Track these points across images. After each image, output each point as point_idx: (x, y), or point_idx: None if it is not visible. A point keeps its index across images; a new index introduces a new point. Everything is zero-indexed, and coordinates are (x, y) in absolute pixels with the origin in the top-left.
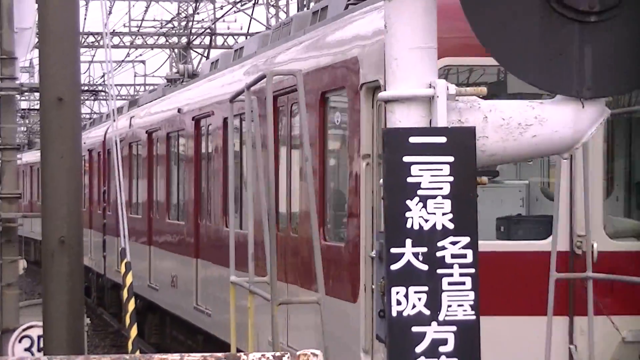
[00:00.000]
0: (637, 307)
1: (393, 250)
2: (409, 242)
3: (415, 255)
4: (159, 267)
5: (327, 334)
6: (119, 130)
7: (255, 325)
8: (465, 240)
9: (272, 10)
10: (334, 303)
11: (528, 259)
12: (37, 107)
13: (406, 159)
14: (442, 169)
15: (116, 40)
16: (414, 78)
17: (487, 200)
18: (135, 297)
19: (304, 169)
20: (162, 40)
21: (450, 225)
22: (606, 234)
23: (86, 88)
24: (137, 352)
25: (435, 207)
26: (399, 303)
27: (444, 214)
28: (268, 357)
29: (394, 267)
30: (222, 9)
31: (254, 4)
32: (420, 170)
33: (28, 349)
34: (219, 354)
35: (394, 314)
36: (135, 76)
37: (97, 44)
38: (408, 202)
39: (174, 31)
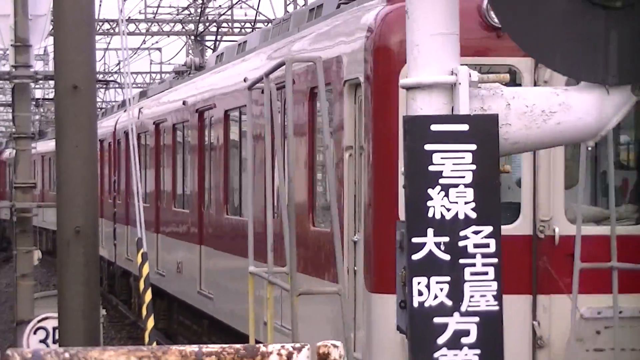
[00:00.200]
0: (594, 286)
1: (414, 239)
2: (430, 231)
3: (437, 245)
4: (165, 254)
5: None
6: (127, 122)
7: (256, 313)
8: (488, 229)
9: None
10: (320, 283)
11: None
12: (52, 95)
13: (428, 147)
14: (464, 157)
15: (132, 27)
16: (436, 65)
17: None
18: None
19: (324, 157)
20: (178, 27)
21: (473, 215)
22: (567, 219)
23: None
24: (154, 344)
25: (457, 196)
26: (420, 294)
27: (466, 203)
28: (287, 349)
29: (415, 257)
30: None
31: None
32: (442, 158)
33: (43, 341)
34: (238, 345)
35: (416, 304)
36: (151, 64)
37: (112, 31)
38: (430, 190)
39: (190, 18)
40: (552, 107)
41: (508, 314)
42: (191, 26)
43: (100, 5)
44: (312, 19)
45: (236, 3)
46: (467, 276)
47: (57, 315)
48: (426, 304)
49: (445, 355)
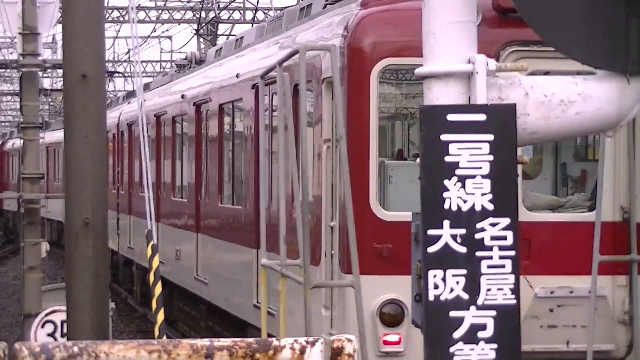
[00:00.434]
0: (548, 268)
1: (430, 232)
2: (446, 223)
3: (454, 237)
4: (165, 242)
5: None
6: (130, 113)
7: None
8: (505, 221)
9: None
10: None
11: None
12: (60, 85)
13: (444, 137)
14: (481, 148)
15: (142, 15)
16: (452, 53)
17: None
18: (145, 271)
19: (339, 147)
20: (189, 15)
21: (490, 206)
22: (525, 207)
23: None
24: (164, 338)
25: (474, 187)
26: (436, 287)
27: (483, 195)
28: (301, 343)
29: (431, 249)
30: None
31: None
32: (458, 149)
33: (51, 335)
34: (250, 339)
35: (431, 298)
36: (161, 52)
37: (122, 19)
38: (446, 182)
39: (201, 5)
40: (570, 97)
41: None
42: (202, 13)
43: None
44: (302, 18)
45: None
46: (483, 269)
47: (66, 309)
48: (442, 298)
49: (462, 349)
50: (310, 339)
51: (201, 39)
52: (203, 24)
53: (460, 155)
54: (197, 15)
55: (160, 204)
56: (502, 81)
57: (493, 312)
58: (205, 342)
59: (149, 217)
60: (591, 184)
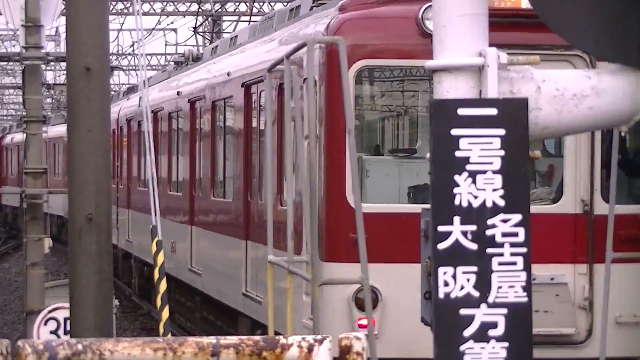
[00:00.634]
0: None
1: (440, 228)
2: (457, 219)
3: (464, 233)
4: (162, 235)
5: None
6: (129, 109)
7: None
8: (517, 217)
9: None
10: (284, 255)
11: None
12: (64, 78)
13: (454, 132)
14: (492, 143)
15: (146, 7)
16: (463, 46)
17: (405, 172)
18: (143, 264)
19: (348, 141)
20: (194, 7)
21: (501, 202)
22: None
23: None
24: (169, 335)
25: (485, 183)
26: (446, 284)
27: (494, 190)
28: (308, 341)
29: (441, 246)
30: None
31: None
32: (469, 143)
33: (54, 332)
34: (257, 337)
35: (441, 295)
36: (166, 45)
37: (126, 11)
38: (456, 177)
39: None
40: (583, 91)
41: None
42: (208, 6)
43: None
44: (291, 18)
45: None
46: (494, 266)
47: (69, 306)
48: (452, 295)
49: (472, 348)
50: (319, 336)
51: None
52: (200, 23)
53: (470, 150)
54: (201, 9)
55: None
56: (514, 75)
57: (504, 310)
58: (212, 339)
59: (153, 213)
60: (557, 179)
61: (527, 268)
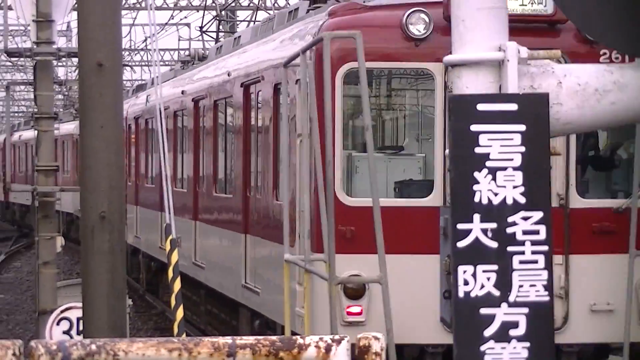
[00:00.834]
0: None
1: (460, 226)
2: (477, 217)
3: (484, 231)
4: None
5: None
6: (137, 107)
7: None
8: (538, 215)
9: None
10: (279, 248)
11: (413, 211)
12: (75, 74)
13: (474, 127)
14: (512, 139)
15: (159, 1)
16: (483, 41)
17: (392, 168)
18: (150, 259)
19: (365, 138)
20: (208, 1)
21: (522, 200)
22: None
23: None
24: (184, 336)
25: (505, 180)
26: (466, 283)
27: (514, 187)
28: (326, 341)
29: (460, 244)
30: None
31: None
32: (489, 139)
33: (67, 332)
34: (273, 337)
35: (461, 294)
36: (179, 40)
37: (139, 5)
38: (476, 174)
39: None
40: (605, 86)
41: (423, 270)
42: (221, 0)
43: None
44: (290, 20)
45: None
46: (515, 264)
47: (82, 305)
48: (472, 294)
49: (493, 348)
50: (336, 337)
51: (220, 26)
52: (206, 23)
53: (490, 146)
54: (214, 2)
55: (163, 195)
56: (534, 69)
57: (525, 310)
58: (228, 340)
59: (167, 211)
60: None
61: (548, 266)
